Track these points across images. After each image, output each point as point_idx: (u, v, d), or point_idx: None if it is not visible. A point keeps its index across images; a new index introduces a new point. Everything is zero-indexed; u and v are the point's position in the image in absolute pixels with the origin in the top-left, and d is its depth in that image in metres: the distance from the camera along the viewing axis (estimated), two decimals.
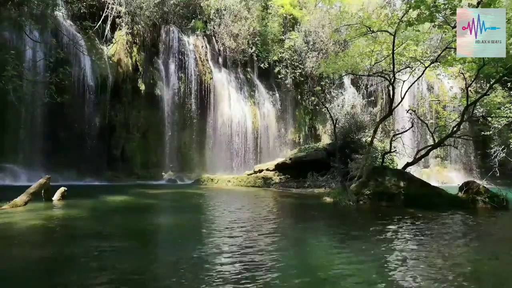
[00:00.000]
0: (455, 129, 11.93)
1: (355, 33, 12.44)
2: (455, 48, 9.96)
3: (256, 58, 23.26)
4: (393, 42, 10.85)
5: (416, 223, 6.97)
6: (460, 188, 9.90)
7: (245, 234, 5.62)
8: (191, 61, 20.37)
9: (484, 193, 9.33)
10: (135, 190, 12.51)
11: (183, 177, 18.93)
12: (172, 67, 20.02)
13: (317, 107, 23.93)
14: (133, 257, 4.24)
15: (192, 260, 4.06)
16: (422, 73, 12.62)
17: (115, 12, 17.97)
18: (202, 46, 21.34)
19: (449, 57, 11.67)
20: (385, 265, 4.05)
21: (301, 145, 22.77)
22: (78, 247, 4.58)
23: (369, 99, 23.93)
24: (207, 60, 21.36)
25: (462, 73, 13.83)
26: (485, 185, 10.35)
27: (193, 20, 21.68)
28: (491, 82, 11.51)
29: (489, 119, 17.09)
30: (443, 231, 6.32)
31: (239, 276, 3.51)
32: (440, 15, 10.27)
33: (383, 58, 13.05)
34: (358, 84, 25.32)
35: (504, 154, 19.34)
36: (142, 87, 18.69)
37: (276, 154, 21.83)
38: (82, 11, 17.28)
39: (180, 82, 19.96)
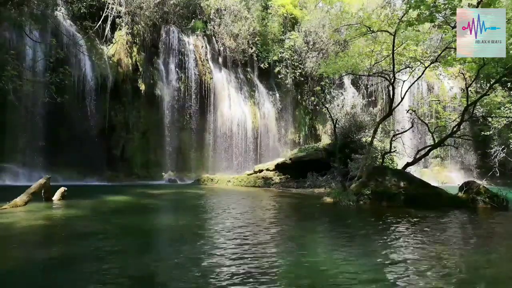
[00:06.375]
0: (455, 129, 11.95)
1: (355, 33, 12.46)
2: (455, 48, 9.97)
3: (256, 58, 23.23)
4: (393, 42, 10.86)
5: (416, 223, 6.98)
6: (460, 188, 9.90)
7: (246, 234, 5.62)
8: (191, 61, 20.36)
9: (484, 193, 9.34)
10: (135, 190, 12.51)
11: (183, 177, 18.92)
12: (172, 67, 20.01)
13: (317, 107, 23.91)
14: (133, 257, 4.24)
15: (192, 261, 4.06)
16: (422, 73, 12.63)
17: (115, 12, 17.95)
18: (202, 46, 21.33)
19: (449, 57, 11.69)
20: (386, 265, 4.05)
21: (301, 145, 22.75)
22: (78, 247, 4.58)
23: (369, 99, 23.90)
24: (207, 60, 21.35)
25: (462, 73, 13.86)
26: (485, 185, 10.36)
27: (193, 20, 21.67)
28: (491, 82, 11.53)
29: (489, 119, 17.10)
30: (443, 231, 6.32)
31: (240, 276, 3.51)
32: (440, 15, 10.28)
33: (383, 58, 13.06)
34: (358, 84, 25.29)
35: (504, 154, 19.35)
36: (142, 87, 18.68)
37: (276, 154, 21.82)
38: (82, 11, 17.26)
39: (180, 82, 19.95)
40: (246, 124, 21.82)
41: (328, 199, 10.04)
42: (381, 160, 12.93)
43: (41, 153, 14.83)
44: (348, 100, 22.92)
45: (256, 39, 22.71)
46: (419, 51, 13.55)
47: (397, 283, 3.48)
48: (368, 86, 25.07)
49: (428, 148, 12.85)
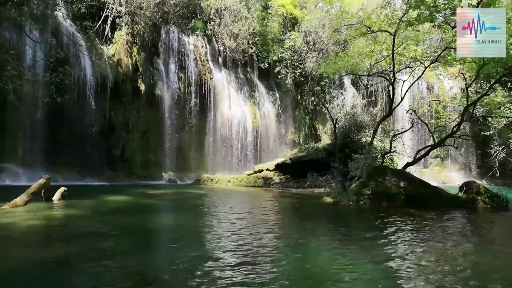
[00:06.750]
0: (455, 129, 11.96)
1: (355, 33, 12.46)
2: (455, 48, 9.97)
3: (256, 58, 23.22)
4: (393, 42, 10.86)
5: (416, 223, 6.97)
6: (460, 188, 9.91)
7: (246, 234, 5.62)
8: (191, 61, 20.36)
9: (484, 193, 9.34)
10: (135, 190, 12.50)
11: (183, 177, 18.92)
12: (172, 67, 20.00)
13: (317, 107, 23.91)
14: (134, 257, 4.24)
15: (192, 261, 4.06)
16: (422, 73, 12.63)
17: (115, 12, 17.95)
18: (202, 46, 21.33)
19: (449, 57, 11.69)
20: (386, 266, 4.04)
21: (301, 145, 22.75)
22: (78, 247, 4.58)
23: (369, 99, 23.92)
24: (207, 60, 21.35)
25: (462, 73, 13.86)
26: (485, 185, 10.35)
27: (193, 20, 21.67)
28: (491, 82, 11.52)
29: (489, 119, 17.11)
30: (443, 231, 6.33)
31: (240, 277, 3.51)
32: (440, 15, 10.28)
33: (383, 58, 13.07)
34: (358, 84, 25.30)
35: (504, 154, 19.35)
36: (142, 87, 18.67)
37: (276, 154, 21.81)
38: (82, 11, 17.24)
39: (180, 82, 19.94)
40: (246, 124, 21.82)
41: (328, 199, 10.04)
42: (381, 160, 12.94)
43: (41, 153, 14.82)
44: (348, 100, 22.94)
45: (256, 39, 22.71)
46: (419, 51, 13.56)
47: (396, 283, 3.47)
48: (368, 86, 25.08)
49: (428, 148, 12.86)
